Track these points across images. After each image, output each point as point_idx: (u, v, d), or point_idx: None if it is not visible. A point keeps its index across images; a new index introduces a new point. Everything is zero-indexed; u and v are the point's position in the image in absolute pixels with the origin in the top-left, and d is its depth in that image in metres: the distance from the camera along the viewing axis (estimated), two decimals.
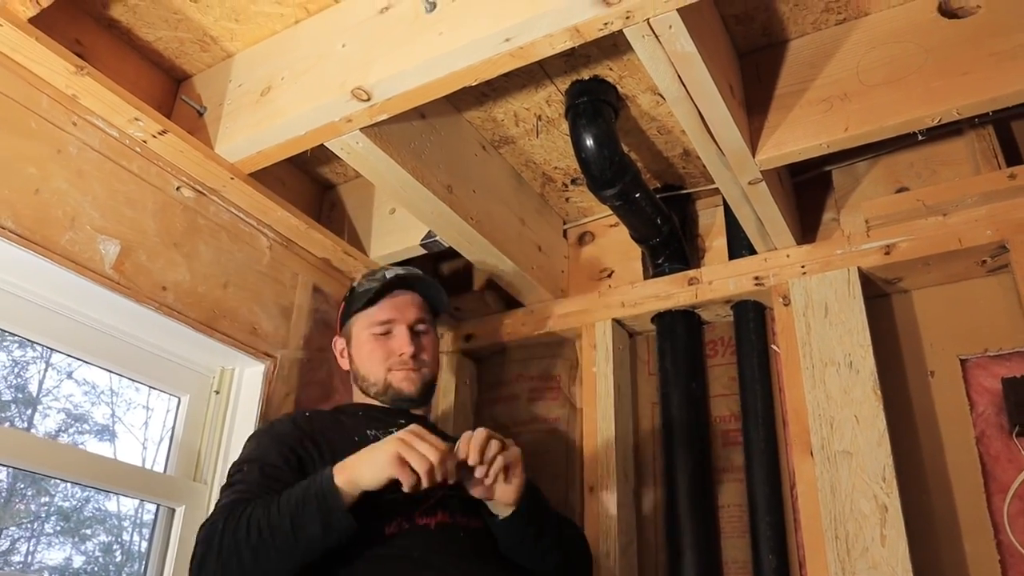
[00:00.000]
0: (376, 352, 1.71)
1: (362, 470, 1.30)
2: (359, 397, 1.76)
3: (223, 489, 1.45)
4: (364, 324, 1.75)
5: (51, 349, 1.72)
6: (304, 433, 1.53)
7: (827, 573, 1.66)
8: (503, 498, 1.43)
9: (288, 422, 1.58)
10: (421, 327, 1.77)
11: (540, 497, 1.56)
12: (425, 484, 1.29)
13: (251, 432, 1.68)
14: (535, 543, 1.51)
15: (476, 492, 1.42)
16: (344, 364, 1.81)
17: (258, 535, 1.27)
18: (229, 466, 1.51)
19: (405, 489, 1.28)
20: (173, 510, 1.77)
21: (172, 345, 1.81)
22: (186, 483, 1.79)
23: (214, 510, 1.38)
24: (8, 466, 1.64)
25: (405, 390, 1.69)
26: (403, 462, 1.28)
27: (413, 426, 1.34)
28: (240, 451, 1.54)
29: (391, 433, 1.35)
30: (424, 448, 1.29)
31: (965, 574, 1.68)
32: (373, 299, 1.75)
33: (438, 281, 1.88)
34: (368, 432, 1.56)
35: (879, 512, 1.65)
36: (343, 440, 1.52)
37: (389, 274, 1.77)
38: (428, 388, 1.75)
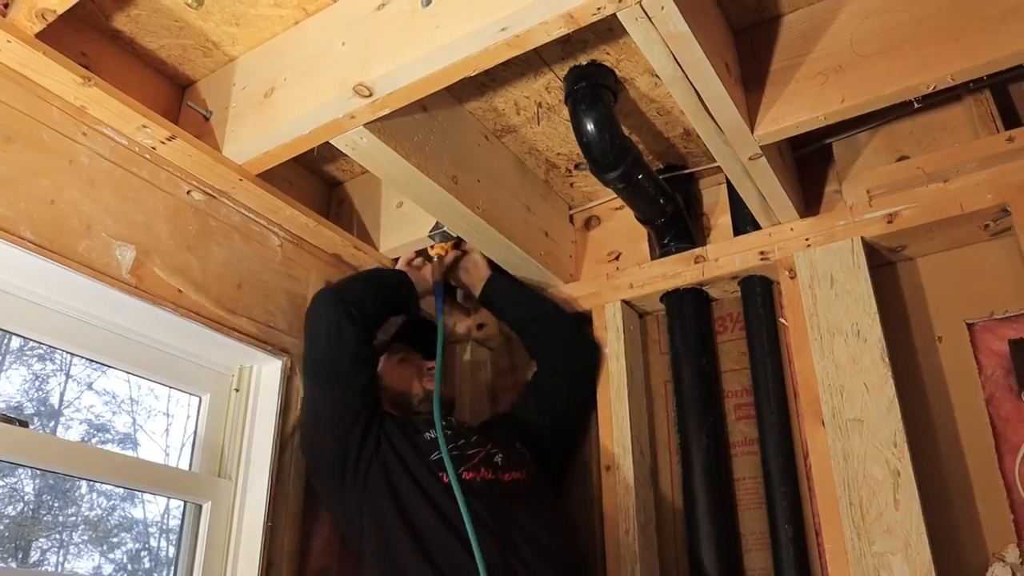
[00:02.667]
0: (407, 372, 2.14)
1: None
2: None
3: None
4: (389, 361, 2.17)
5: (74, 355, 1.77)
6: None
7: (843, 539, 1.69)
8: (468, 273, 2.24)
9: None
10: None
11: (517, 283, 2.24)
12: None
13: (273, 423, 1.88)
14: (521, 321, 2.20)
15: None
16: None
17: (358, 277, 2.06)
18: (253, 461, 1.58)
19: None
20: (200, 506, 1.82)
21: (191, 346, 1.85)
22: (211, 479, 1.84)
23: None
24: (38, 468, 1.69)
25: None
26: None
27: None
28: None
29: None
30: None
31: (979, 534, 1.70)
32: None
33: None
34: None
35: (892, 477, 1.68)
36: None
37: None
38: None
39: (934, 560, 1.58)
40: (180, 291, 1.70)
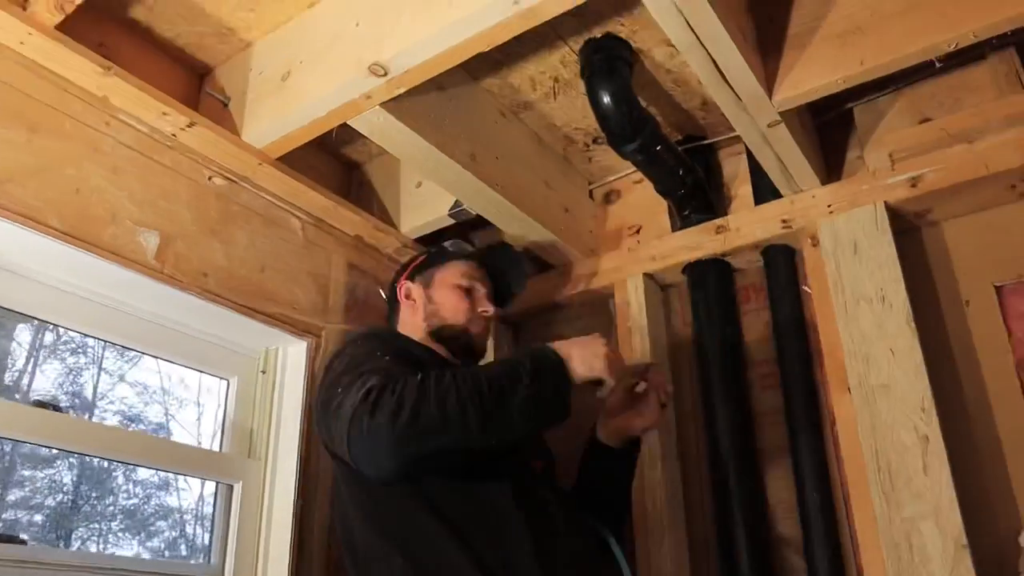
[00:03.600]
0: (463, 302, 1.74)
1: (576, 364, 1.39)
2: (414, 331, 1.72)
3: (342, 383, 1.31)
4: (454, 273, 1.78)
5: (104, 341, 1.80)
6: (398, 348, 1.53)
7: (871, 506, 1.68)
8: (643, 424, 1.65)
9: (378, 339, 1.55)
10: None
11: None
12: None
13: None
14: (627, 481, 1.76)
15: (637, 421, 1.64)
16: (410, 305, 1.77)
17: (485, 390, 1.26)
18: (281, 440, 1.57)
19: (601, 394, 1.47)
20: (231, 487, 1.85)
21: (217, 329, 1.87)
22: (242, 460, 1.87)
23: (359, 388, 1.25)
24: (77, 452, 1.72)
25: (478, 343, 1.75)
26: (613, 366, 1.42)
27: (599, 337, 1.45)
28: (337, 366, 1.42)
29: None
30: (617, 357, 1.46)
31: (1011, 499, 1.68)
32: (470, 256, 1.84)
33: None
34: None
35: (920, 443, 1.66)
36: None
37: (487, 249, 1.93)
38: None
39: (965, 525, 1.57)
40: (205, 275, 1.72)
